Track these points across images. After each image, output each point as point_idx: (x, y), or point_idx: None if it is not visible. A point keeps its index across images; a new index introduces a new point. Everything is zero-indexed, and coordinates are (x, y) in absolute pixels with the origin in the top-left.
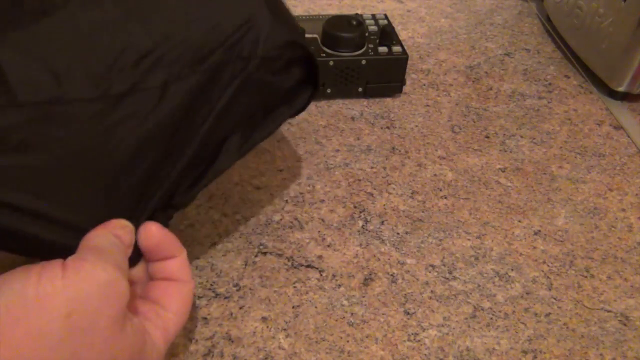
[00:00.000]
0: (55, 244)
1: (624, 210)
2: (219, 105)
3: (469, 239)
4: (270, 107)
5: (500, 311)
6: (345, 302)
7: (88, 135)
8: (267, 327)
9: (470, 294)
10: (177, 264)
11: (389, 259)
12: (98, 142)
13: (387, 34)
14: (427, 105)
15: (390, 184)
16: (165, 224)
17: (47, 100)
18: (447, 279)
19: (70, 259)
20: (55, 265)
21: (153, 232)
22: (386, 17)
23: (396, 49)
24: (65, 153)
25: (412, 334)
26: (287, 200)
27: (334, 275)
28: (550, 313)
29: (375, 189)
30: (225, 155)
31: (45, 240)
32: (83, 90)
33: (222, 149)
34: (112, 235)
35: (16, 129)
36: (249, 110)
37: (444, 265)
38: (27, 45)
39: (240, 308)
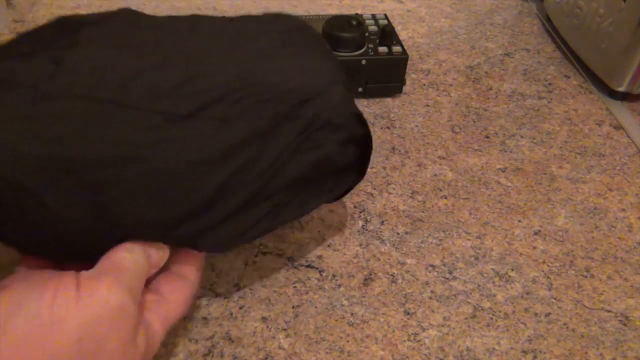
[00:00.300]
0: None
1: (624, 210)
2: (273, 156)
3: (469, 239)
4: (316, 181)
5: (500, 311)
6: (345, 302)
7: (144, 144)
8: (267, 327)
9: (470, 294)
10: (189, 262)
11: (389, 259)
12: (152, 153)
13: (387, 34)
14: (427, 105)
15: (390, 184)
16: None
17: (109, 99)
18: (447, 279)
19: (86, 276)
20: (69, 284)
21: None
22: (386, 17)
23: (396, 49)
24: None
25: (412, 334)
26: None
27: (334, 275)
28: (550, 313)
29: (375, 189)
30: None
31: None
32: (145, 99)
33: (250, 212)
34: (143, 253)
35: None
36: (298, 176)
37: (444, 265)
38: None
39: (240, 308)
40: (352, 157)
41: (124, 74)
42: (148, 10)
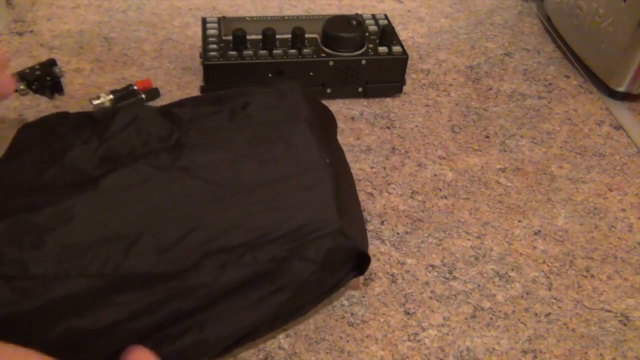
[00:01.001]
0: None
1: (624, 210)
2: (266, 299)
3: (469, 239)
4: (311, 299)
5: (500, 311)
6: (345, 302)
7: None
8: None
9: (470, 294)
10: None
11: (389, 259)
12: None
13: (387, 34)
14: (427, 105)
15: (390, 184)
16: None
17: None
18: (447, 279)
19: None
20: None
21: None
22: (386, 17)
23: (396, 49)
24: None
25: (412, 334)
26: None
27: None
28: (550, 313)
29: (375, 189)
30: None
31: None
32: (148, 261)
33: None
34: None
35: None
36: (293, 304)
37: (444, 265)
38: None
39: None
40: (350, 268)
41: (125, 245)
42: (148, 9)
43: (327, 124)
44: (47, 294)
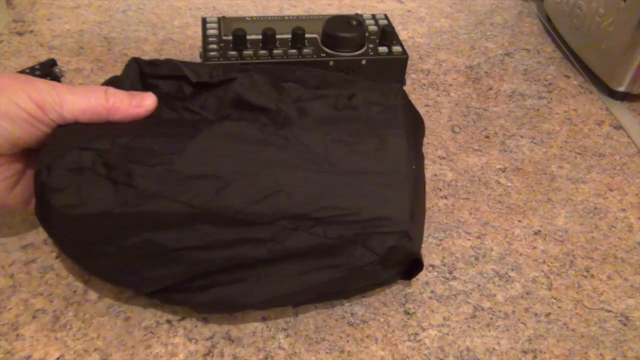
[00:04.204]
0: None
1: (624, 210)
2: (320, 276)
3: (469, 239)
4: (359, 287)
5: (500, 311)
6: (345, 302)
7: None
8: (267, 327)
9: (470, 294)
10: None
11: None
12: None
13: (387, 34)
14: (427, 105)
15: None
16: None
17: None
18: (447, 279)
19: None
20: None
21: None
22: (386, 17)
23: (396, 49)
24: None
25: (412, 334)
26: None
27: None
28: (550, 313)
29: None
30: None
31: None
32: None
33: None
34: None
35: None
36: (343, 285)
37: (444, 265)
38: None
39: None
40: (402, 270)
41: (218, 186)
42: (148, 9)
43: (417, 131)
44: (142, 206)
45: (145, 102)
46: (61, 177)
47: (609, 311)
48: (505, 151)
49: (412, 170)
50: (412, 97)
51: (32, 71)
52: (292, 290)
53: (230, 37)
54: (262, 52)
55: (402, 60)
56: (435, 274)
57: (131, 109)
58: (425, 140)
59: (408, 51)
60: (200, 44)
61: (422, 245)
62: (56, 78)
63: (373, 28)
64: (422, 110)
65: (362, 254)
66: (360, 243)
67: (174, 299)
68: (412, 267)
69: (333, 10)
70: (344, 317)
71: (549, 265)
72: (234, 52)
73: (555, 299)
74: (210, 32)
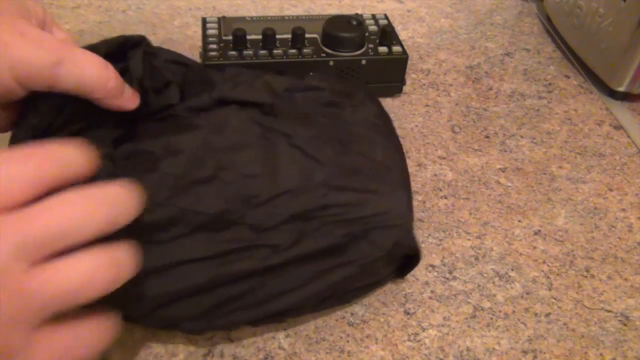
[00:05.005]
0: None
1: (624, 210)
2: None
3: (469, 239)
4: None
5: (500, 311)
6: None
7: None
8: (267, 327)
9: (470, 294)
10: None
11: None
12: None
13: (387, 34)
14: (427, 105)
15: None
16: None
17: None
18: (447, 279)
19: None
20: None
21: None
22: (386, 17)
23: (396, 49)
24: None
25: (412, 334)
26: None
27: None
28: (550, 313)
29: None
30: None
31: None
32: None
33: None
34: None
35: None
36: (359, 281)
37: (444, 265)
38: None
39: None
40: (398, 265)
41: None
42: (148, 9)
43: (388, 121)
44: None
45: (135, 100)
46: None
47: (609, 311)
48: (505, 151)
49: (407, 170)
50: (412, 97)
51: None
52: (307, 294)
53: (230, 37)
54: (262, 52)
55: (402, 60)
56: (435, 274)
57: (124, 101)
58: (425, 140)
59: (408, 51)
60: (200, 44)
61: (422, 245)
62: None
63: (373, 28)
64: (422, 110)
65: (369, 250)
66: (366, 239)
67: (185, 327)
68: (405, 263)
69: (333, 10)
70: (344, 317)
71: (549, 265)
72: (234, 52)
73: (555, 299)
74: (210, 32)
